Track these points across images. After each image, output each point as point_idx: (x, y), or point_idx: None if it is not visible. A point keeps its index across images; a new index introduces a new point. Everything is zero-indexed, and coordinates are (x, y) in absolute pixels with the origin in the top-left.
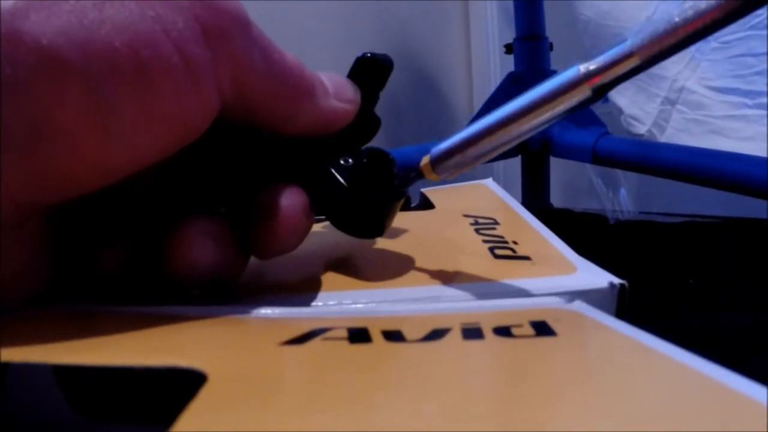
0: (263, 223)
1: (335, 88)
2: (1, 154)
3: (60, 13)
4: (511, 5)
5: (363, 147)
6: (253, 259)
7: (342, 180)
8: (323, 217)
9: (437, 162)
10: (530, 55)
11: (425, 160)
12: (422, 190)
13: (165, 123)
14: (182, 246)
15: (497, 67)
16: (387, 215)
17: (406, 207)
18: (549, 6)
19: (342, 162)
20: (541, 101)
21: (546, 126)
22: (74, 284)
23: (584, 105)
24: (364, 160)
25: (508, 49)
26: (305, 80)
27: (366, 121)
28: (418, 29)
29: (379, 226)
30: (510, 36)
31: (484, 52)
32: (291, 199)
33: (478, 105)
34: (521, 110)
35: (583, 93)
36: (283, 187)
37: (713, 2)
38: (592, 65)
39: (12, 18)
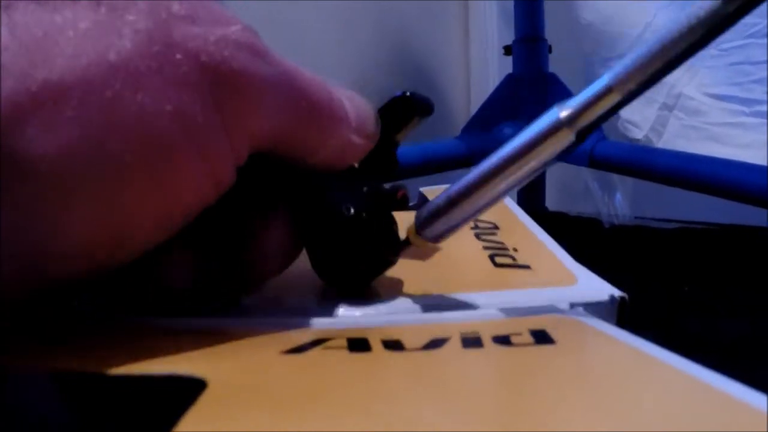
0: (245, 256)
1: (357, 121)
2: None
3: (61, 124)
4: (511, 7)
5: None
6: None
7: (338, 232)
8: None
9: (422, 227)
10: (529, 57)
11: (411, 229)
12: (421, 189)
13: (179, 209)
14: (162, 273)
15: (495, 68)
16: (371, 279)
17: (404, 207)
18: (549, 8)
19: (344, 209)
20: (523, 151)
21: (532, 177)
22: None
23: (569, 150)
24: (364, 215)
25: (507, 50)
26: (331, 114)
27: (384, 160)
28: (417, 29)
29: (359, 288)
30: (509, 38)
31: (483, 53)
32: (276, 237)
33: (475, 106)
34: (503, 163)
35: (566, 138)
36: (270, 223)
37: (684, 29)
38: (571, 107)
39: (6, 132)
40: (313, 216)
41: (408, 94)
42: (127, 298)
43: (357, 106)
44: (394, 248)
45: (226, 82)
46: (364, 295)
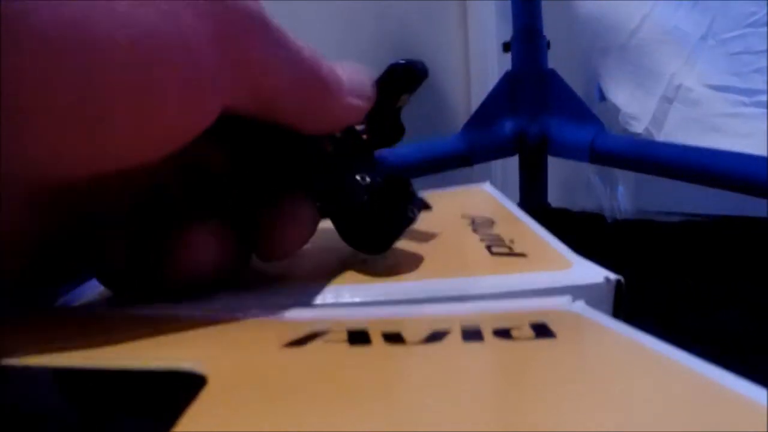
0: (267, 231)
1: (351, 83)
2: None
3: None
4: (509, 4)
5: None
6: None
7: (360, 198)
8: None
9: None
10: (527, 54)
11: None
12: (420, 194)
13: (160, 130)
14: (187, 249)
15: (495, 65)
16: (396, 238)
17: None
18: (546, 4)
19: (359, 178)
20: None
21: None
22: (77, 273)
23: None
24: (383, 180)
25: (506, 47)
26: (323, 78)
27: (391, 126)
28: (416, 27)
29: (385, 246)
30: (508, 34)
31: (482, 50)
32: (297, 211)
33: (475, 103)
34: None
35: None
36: (291, 197)
37: None
38: None
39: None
40: (335, 188)
41: (403, 61)
42: (142, 285)
43: (348, 70)
44: (415, 207)
45: (238, 28)
46: (387, 254)
